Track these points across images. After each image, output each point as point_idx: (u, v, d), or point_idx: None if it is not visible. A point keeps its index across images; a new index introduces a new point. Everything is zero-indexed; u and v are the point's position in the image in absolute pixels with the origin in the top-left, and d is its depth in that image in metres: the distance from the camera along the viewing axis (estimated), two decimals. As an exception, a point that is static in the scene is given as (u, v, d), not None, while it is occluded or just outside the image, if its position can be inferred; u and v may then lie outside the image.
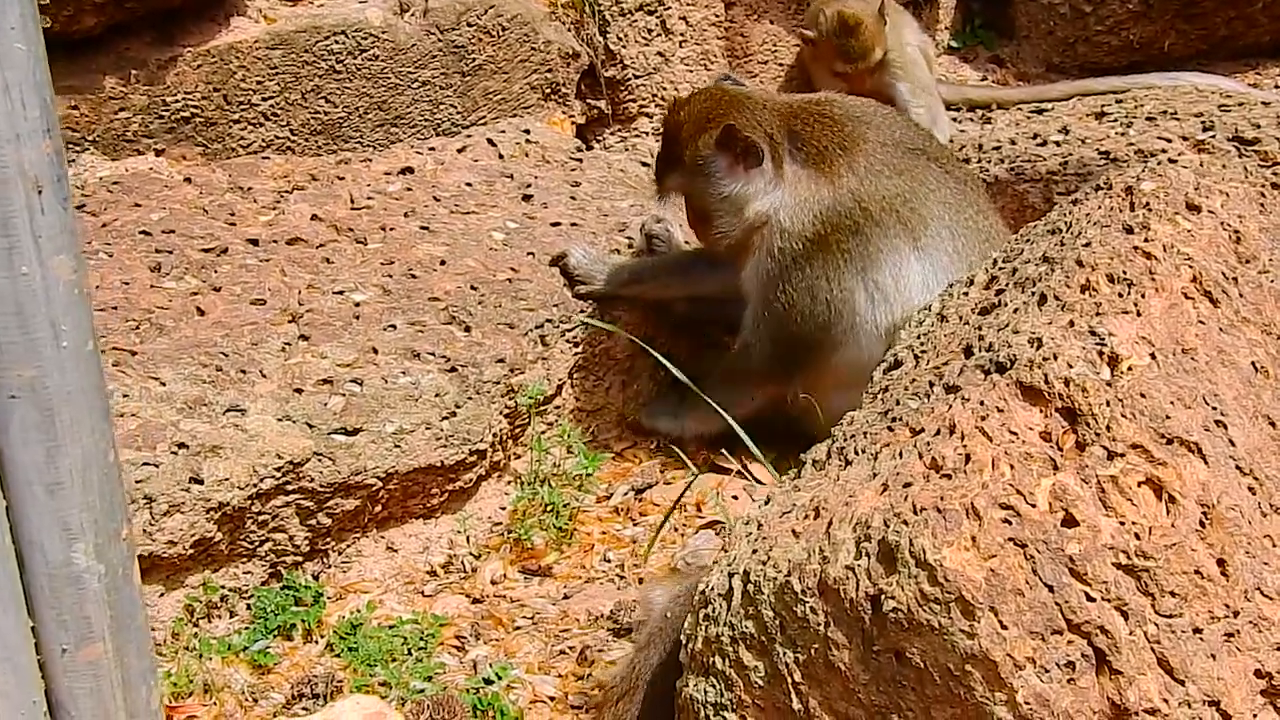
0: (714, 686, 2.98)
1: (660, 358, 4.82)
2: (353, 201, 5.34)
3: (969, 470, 2.85)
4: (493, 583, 4.45)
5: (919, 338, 3.74)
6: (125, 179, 5.28)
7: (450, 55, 6.12)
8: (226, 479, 4.14)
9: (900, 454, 3.05)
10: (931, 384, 3.30)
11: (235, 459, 4.18)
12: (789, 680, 2.84)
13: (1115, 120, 6.63)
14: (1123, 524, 2.82)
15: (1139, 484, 2.90)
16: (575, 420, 5.03)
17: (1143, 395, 3.02)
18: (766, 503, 3.31)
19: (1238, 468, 3.07)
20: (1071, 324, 3.22)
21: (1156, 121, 6.51)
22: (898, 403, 3.32)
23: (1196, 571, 2.85)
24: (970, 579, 2.65)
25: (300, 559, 4.36)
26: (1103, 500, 2.84)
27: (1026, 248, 3.86)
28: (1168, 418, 3.01)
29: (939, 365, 3.41)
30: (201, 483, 4.12)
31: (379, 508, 4.45)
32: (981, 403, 3.04)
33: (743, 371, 5.00)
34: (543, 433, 4.91)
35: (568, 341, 4.99)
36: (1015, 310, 3.45)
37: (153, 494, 4.05)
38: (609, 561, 4.53)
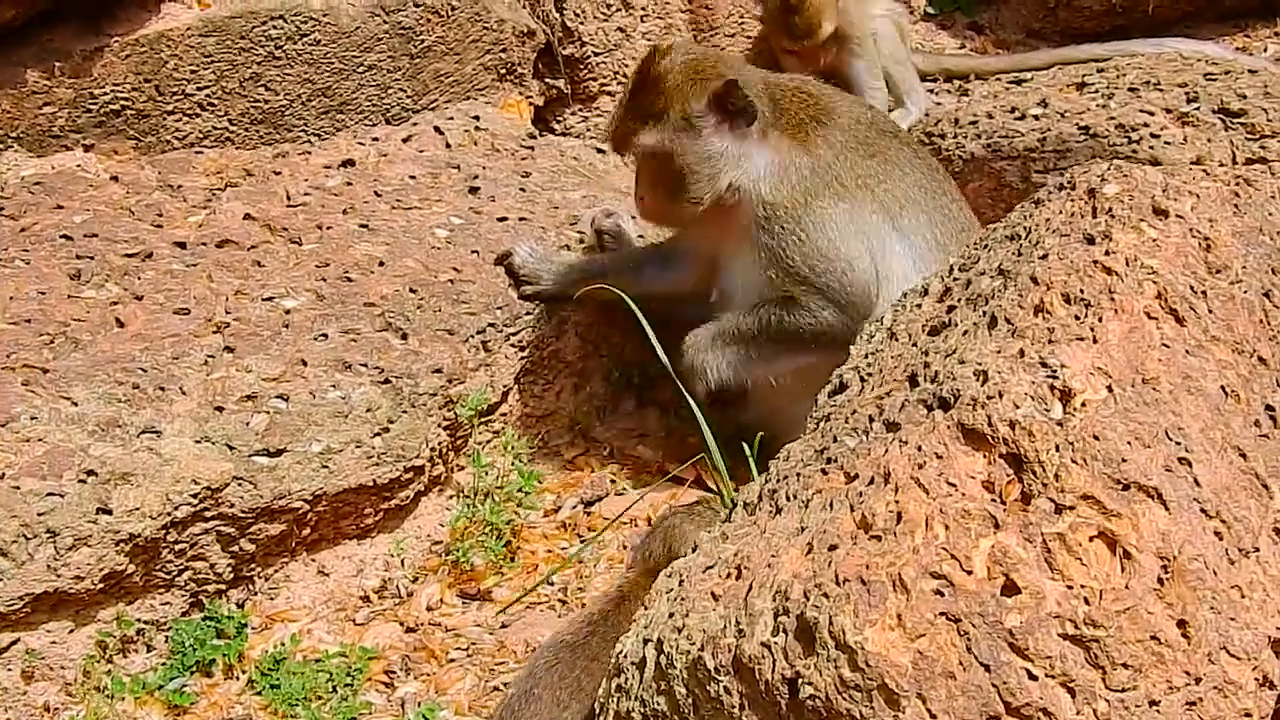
0: (625, 767, 2.69)
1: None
2: (289, 198, 5.03)
3: (900, 531, 2.55)
4: (429, 609, 4.17)
5: (866, 357, 3.42)
6: (49, 178, 4.96)
7: (397, 37, 5.78)
8: (137, 509, 3.86)
9: (831, 504, 2.74)
10: (872, 418, 2.99)
11: (148, 486, 3.89)
12: (701, 765, 2.56)
13: (1096, 91, 6.26)
14: (1070, 588, 2.53)
15: (1090, 539, 2.60)
16: (524, 427, 4.73)
17: (1096, 437, 2.71)
18: (694, 551, 3.01)
19: (1203, 510, 2.76)
20: (1021, 353, 2.90)
21: (1139, 92, 6.14)
22: (835, 439, 3.01)
23: (1153, 637, 2.55)
24: (894, 664, 2.36)
25: (223, 587, 4.08)
26: (1048, 561, 2.54)
27: (984, 255, 3.54)
28: (1124, 460, 2.70)
29: (882, 395, 3.10)
30: (110, 513, 3.83)
31: (307, 531, 4.16)
32: (919, 447, 2.73)
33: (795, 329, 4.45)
34: (488, 441, 4.62)
35: (513, 345, 4.68)
36: (965, 333, 3.13)
37: (57, 527, 3.77)
38: (552, 584, 4.24)
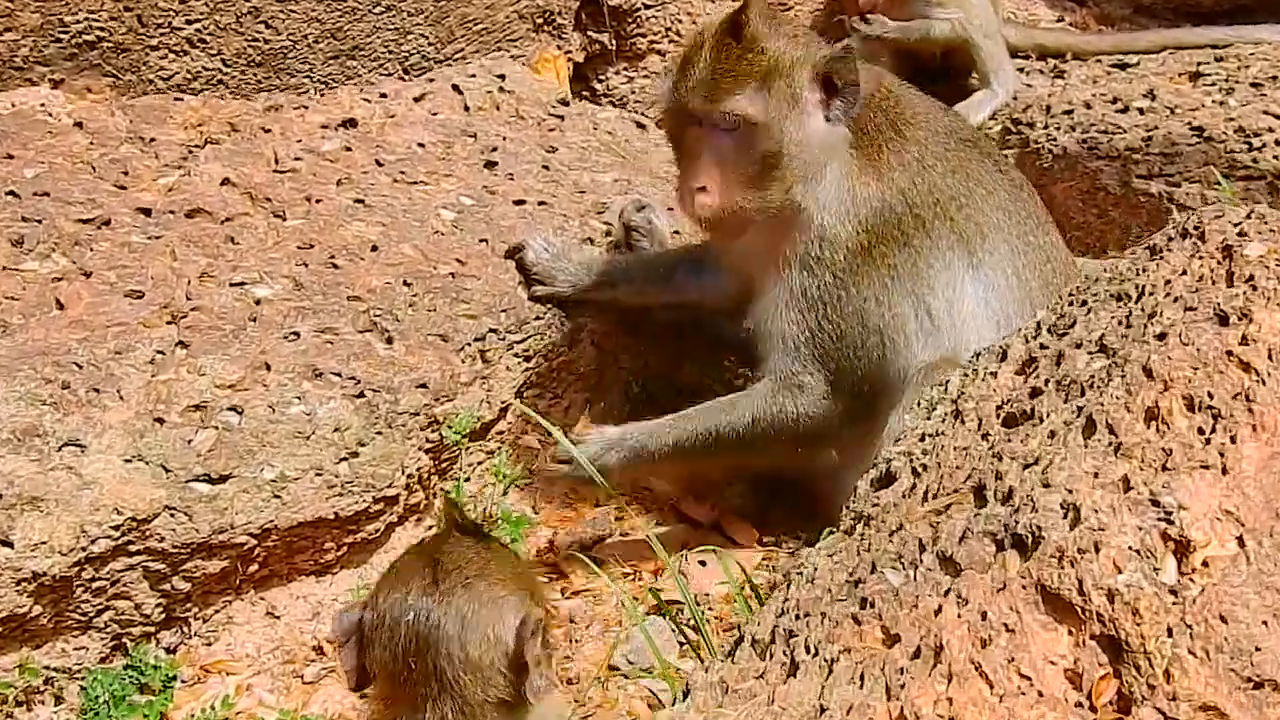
0: None
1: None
2: (276, 162, 4.38)
3: (952, 751, 1.89)
4: (390, 668, 3.56)
5: (923, 440, 2.75)
6: (2, 119, 4.33)
7: (421, -26, 5.10)
8: (44, 542, 3.26)
9: (862, 679, 2.09)
10: (924, 545, 2.33)
11: (59, 515, 3.29)
12: None
13: (1214, 84, 5.52)
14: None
15: (1210, 766, 1.94)
16: (524, 449, 4.08)
17: (1223, 618, 2.04)
18: (685, 698, 2.36)
19: (1355, 711, 2.09)
20: (1127, 483, 2.23)
21: (1263, 89, 5.40)
22: (874, 567, 2.35)
23: None
24: None
25: (151, 629, 3.49)
26: (1153, 805, 1.88)
27: (1081, 318, 2.85)
28: (1258, 649, 2.03)
29: (940, 508, 2.43)
30: (11, 546, 3.23)
31: (255, 567, 3.56)
32: (984, 614, 2.07)
33: (790, 415, 3.81)
34: (480, 463, 3.99)
35: (516, 355, 4.03)
36: (1052, 433, 2.46)
37: (-55, 561, 3.18)
38: (535, 645, 3.61)
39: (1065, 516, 2.19)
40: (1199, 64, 5.67)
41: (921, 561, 2.29)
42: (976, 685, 1.96)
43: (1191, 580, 2.08)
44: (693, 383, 4.43)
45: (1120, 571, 2.06)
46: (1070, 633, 2.04)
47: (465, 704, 2.29)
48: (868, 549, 2.45)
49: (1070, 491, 2.23)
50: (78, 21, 4.63)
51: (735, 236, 3.79)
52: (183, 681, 3.46)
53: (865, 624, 2.21)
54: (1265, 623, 2.06)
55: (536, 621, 2.32)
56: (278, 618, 3.62)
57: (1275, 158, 5.00)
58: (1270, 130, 5.10)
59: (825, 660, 2.19)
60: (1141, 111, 5.40)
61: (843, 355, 3.74)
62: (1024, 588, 2.09)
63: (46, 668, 3.35)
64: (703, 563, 3.87)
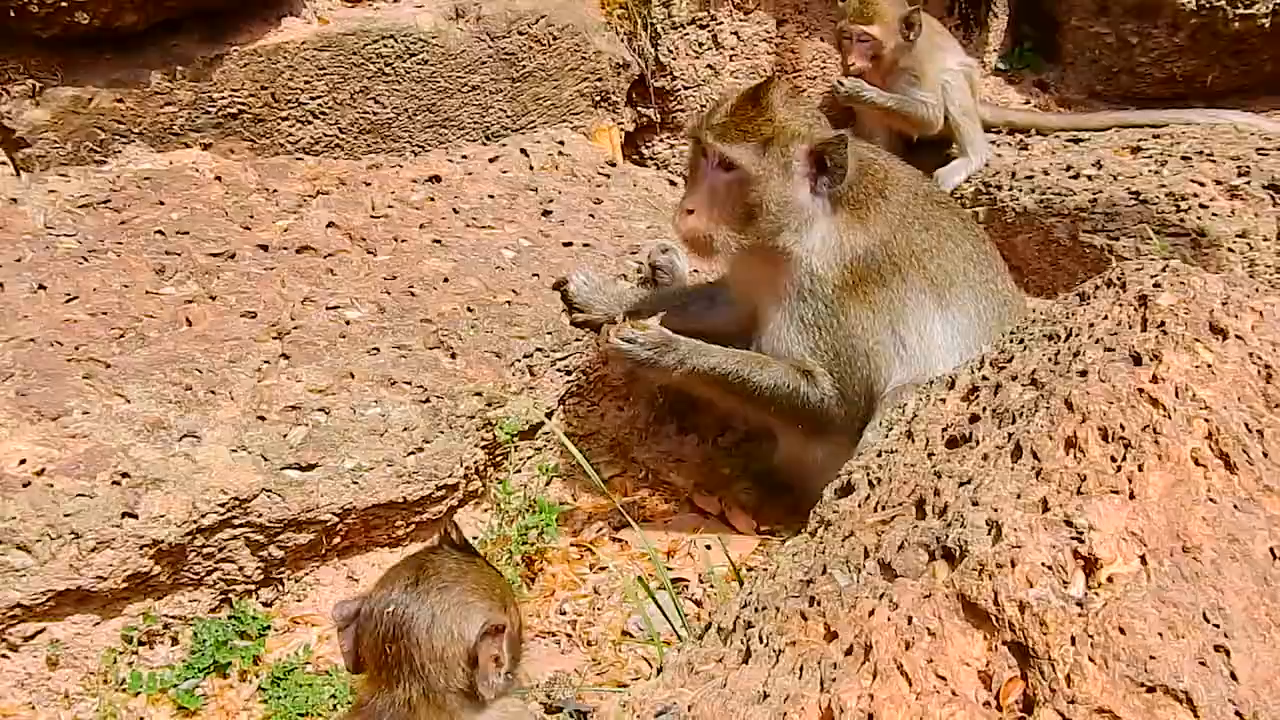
0: None
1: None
2: (374, 209, 4.22)
3: (869, 742, 1.67)
4: (444, 626, 3.37)
5: (879, 455, 2.52)
6: (159, 174, 4.21)
7: (500, 61, 4.92)
8: (163, 515, 3.11)
9: (801, 670, 1.87)
10: (868, 552, 2.10)
11: (176, 494, 3.14)
12: None
13: (1150, 157, 5.19)
14: (1072, 828, 1.63)
15: (1102, 759, 1.70)
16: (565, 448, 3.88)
17: (1121, 629, 1.80)
18: (659, 674, 2.16)
19: (1237, 713, 1.83)
20: (1045, 505, 1.99)
21: (1192, 162, 5.06)
22: (825, 569, 2.13)
23: None
24: None
25: (253, 588, 3.33)
26: (1048, 794, 1.65)
27: (1019, 354, 2.60)
28: (1152, 658, 1.79)
29: (885, 519, 2.20)
30: (136, 518, 3.09)
31: (338, 539, 3.39)
32: (910, 618, 1.85)
33: (800, 397, 3.52)
34: (529, 458, 3.79)
35: (559, 370, 3.84)
36: (985, 456, 2.22)
37: (81, 529, 3.03)
38: (564, 614, 3.42)
39: (989, 533, 1.96)
40: (1139, 140, 5.35)
41: (865, 566, 2.07)
42: (897, 683, 1.73)
43: (1096, 594, 1.85)
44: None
45: (1031, 586, 1.83)
46: (985, 638, 1.81)
47: (430, 689, 2.17)
48: (823, 551, 2.23)
49: (995, 510, 2.00)
50: (224, 98, 4.50)
51: (707, 258, 3.56)
52: (275, 630, 3.31)
53: (811, 620, 1.99)
54: (1161, 634, 1.82)
55: (496, 628, 2.19)
56: (356, 581, 3.44)
57: (1198, 218, 4.70)
58: (1195, 195, 4.78)
59: (774, 651, 1.97)
60: (1090, 178, 5.09)
61: (840, 368, 3.50)
62: (947, 596, 1.86)
63: (166, 615, 3.20)
64: (708, 547, 3.66)
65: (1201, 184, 4.85)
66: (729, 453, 4.08)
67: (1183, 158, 5.09)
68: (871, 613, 1.88)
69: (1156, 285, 2.53)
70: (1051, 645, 1.74)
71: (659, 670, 2.16)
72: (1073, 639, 1.76)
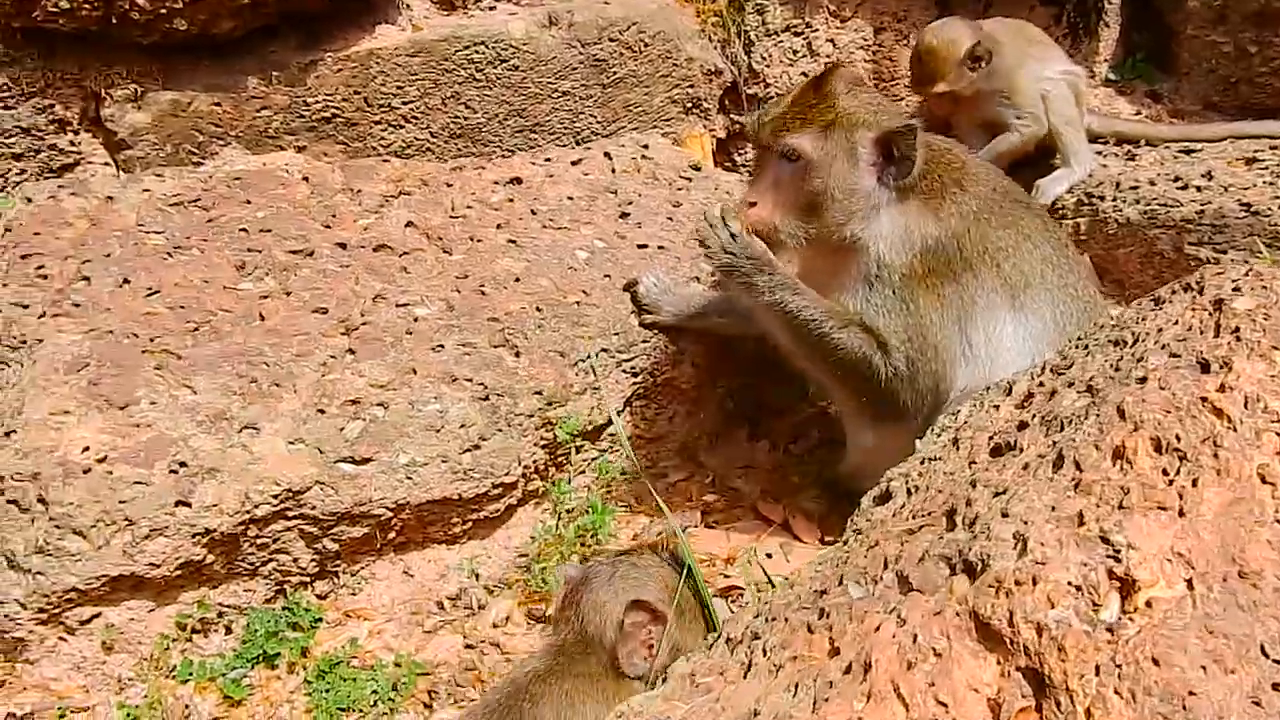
0: None
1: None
2: (452, 209, 4.10)
3: (852, 773, 1.43)
4: (494, 625, 3.22)
5: (922, 463, 2.26)
6: (249, 175, 4.16)
7: (591, 68, 4.77)
8: (216, 505, 3.02)
9: (795, 689, 1.64)
10: (887, 563, 1.86)
11: (230, 484, 3.06)
12: None
13: (1266, 168, 4.75)
14: None
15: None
16: (634, 448, 3.70)
17: (1155, 660, 1.52)
18: (663, 683, 1.94)
19: (1301, 761, 1.54)
20: (1080, 519, 1.72)
21: (1310, 173, 4.62)
22: (841, 580, 1.89)
23: None
24: None
25: (308, 579, 3.23)
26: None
27: (1080, 359, 2.32)
28: (1190, 694, 1.51)
29: (913, 529, 1.95)
30: (189, 506, 3.01)
31: (393, 534, 3.26)
32: (915, 636, 1.60)
33: (870, 363, 3.22)
34: (592, 459, 3.62)
35: (624, 371, 3.65)
36: (1025, 465, 1.95)
37: (135, 516, 2.97)
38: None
39: (1014, 547, 1.70)
40: (1255, 151, 4.91)
41: (882, 578, 1.83)
42: (892, 707, 1.49)
43: (1131, 620, 1.57)
44: (779, 404, 3.98)
45: (1053, 606, 1.56)
46: (998, 663, 1.55)
47: (584, 637, 2.53)
48: (844, 561, 1.99)
49: (1024, 523, 1.74)
50: (318, 102, 4.46)
51: (774, 251, 3.26)
52: (327, 623, 3.19)
53: (817, 634, 1.76)
54: (1204, 668, 1.53)
55: (651, 610, 2.51)
56: (412, 576, 3.32)
57: (1314, 232, 4.26)
58: (1312, 207, 4.35)
59: (775, 665, 1.75)
60: (1199, 189, 4.68)
61: (913, 351, 3.20)
62: (959, 614, 1.61)
63: (220, 604, 3.12)
64: (769, 555, 3.42)
65: (1320, 196, 4.42)
66: (800, 460, 3.84)
67: (1302, 168, 4.66)
68: (877, 628, 1.64)
69: (1236, 289, 2.22)
70: (1070, 674, 1.48)
71: (663, 680, 1.95)
72: (1097, 668, 1.49)
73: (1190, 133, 5.29)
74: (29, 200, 3.89)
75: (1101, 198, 4.90)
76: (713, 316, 3.70)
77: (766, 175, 3.27)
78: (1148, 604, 1.58)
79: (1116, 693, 1.46)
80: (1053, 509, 1.75)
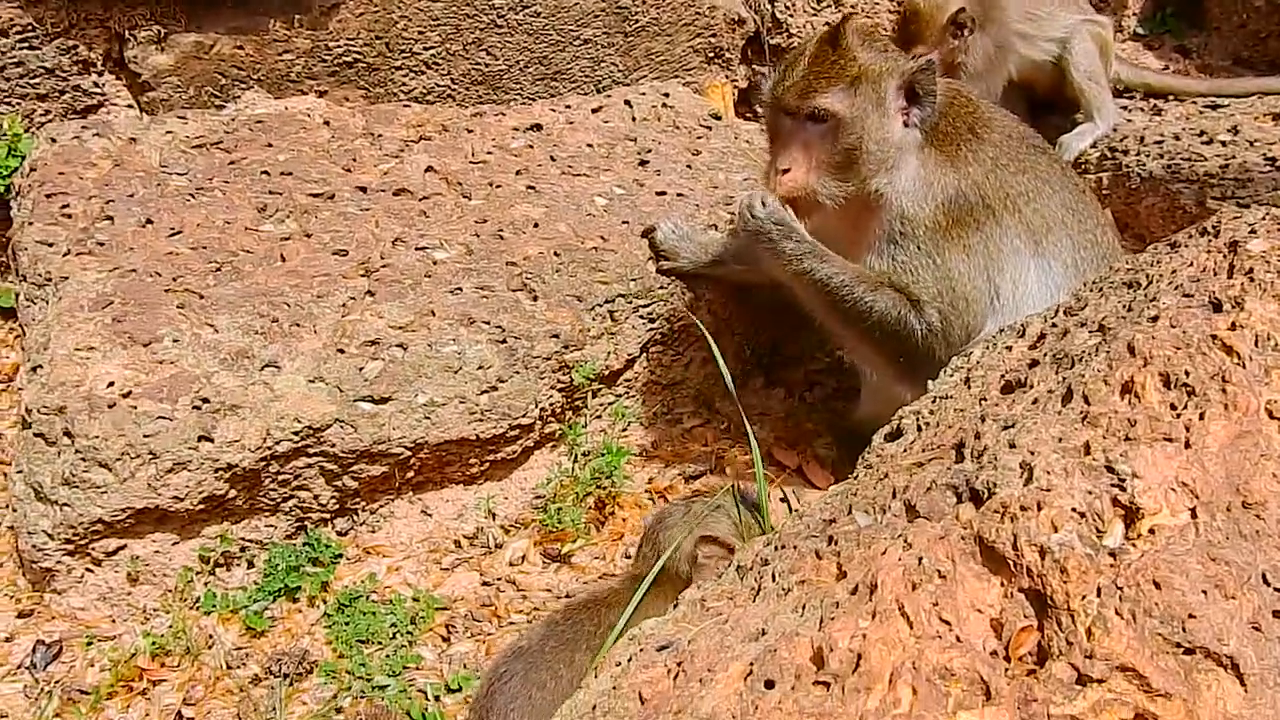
0: None
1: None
2: (472, 155, 4.13)
3: (852, 684, 1.48)
4: (511, 563, 3.29)
5: (933, 401, 2.30)
6: (271, 118, 4.20)
7: (613, 15, 4.78)
8: (238, 440, 3.09)
9: (803, 609, 1.69)
10: (895, 493, 1.90)
11: (252, 420, 3.12)
12: None
13: (1293, 122, 4.73)
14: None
15: (1121, 727, 1.48)
16: (649, 393, 3.75)
17: (1157, 583, 1.57)
18: (674, 609, 2.00)
19: (1295, 687, 1.58)
20: (1087, 448, 1.76)
21: (1338, 127, 4.60)
22: (850, 510, 1.93)
23: None
24: None
25: (328, 516, 3.30)
26: (1051, 758, 1.44)
27: (1094, 301, 2.35)
28: (1191, 616, 1.55)
29: (922, 461, 1.99)
30: (211, 441, 3.08)
31: (411, 473, 3.32)
32: (920, 558, 1.64)
33: (901, 324, 3.23)
34: (609, 404, 3.66)
35: (641, 317, 3.69)
36: (1035, 401, 1.99)
37: (158, 450, 3.04)
38: (629, 558, 3.28)
39: (1020, 476, 1.74)
40: (1284, 106, 4.88)
41: (889, 508, 1.87)
42: (896, 625, 1.54)
43: (1134, 545, 1.61)
44: (795, 352, 4.02)
45: (1056, 530, 1.61)
46: (1001, 585, 1.60)
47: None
48: (854, 493, 2.04)
49: (1031, 453, 1.78)
50: (339, 46, 4.48)
51: (810, 214, 3.26)
52: (346, 559, 3.26)
53: (824, 559, 1.80)
54: (1205, 592, 1.58)
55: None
56: (430, 515, 3.38)
57: (1339, 185, 4.25)
58: (1338, 161, 4.33)
59: (783, 589, 1.79)
60: (1224, 144, 4.66)
61: (944, 306, 3.21)
62: (964, 539, 1.66)
63: (243, 539, 3.19)
64: (783, 499, 3.47)
65: (1347, 149, 4.40)
66: (814, 408, 3.88)
67: (1329, 122, 4.64)
68: (884, 552, 1.69)
69: (1252, 231, 2.24)
70: (1072, 595, 1.52)
71: (674, 606, 2.00)
72: (1099, 590, 1.53)
73: (1219, 87, 5.26)
74: (53, 140, 3.95)
75: (1125, 152, 4.89)
76: (731, 264, 3.72)
77: (794, 139, 3.25)
78: (1151, 531, 1.62)
79: (1117, 613, 1.51)
80: (1059, 440, 1.78)
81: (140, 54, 4.22)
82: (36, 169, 3.84)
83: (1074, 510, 1.63)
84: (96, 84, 4.22)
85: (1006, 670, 1.48)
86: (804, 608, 1.68)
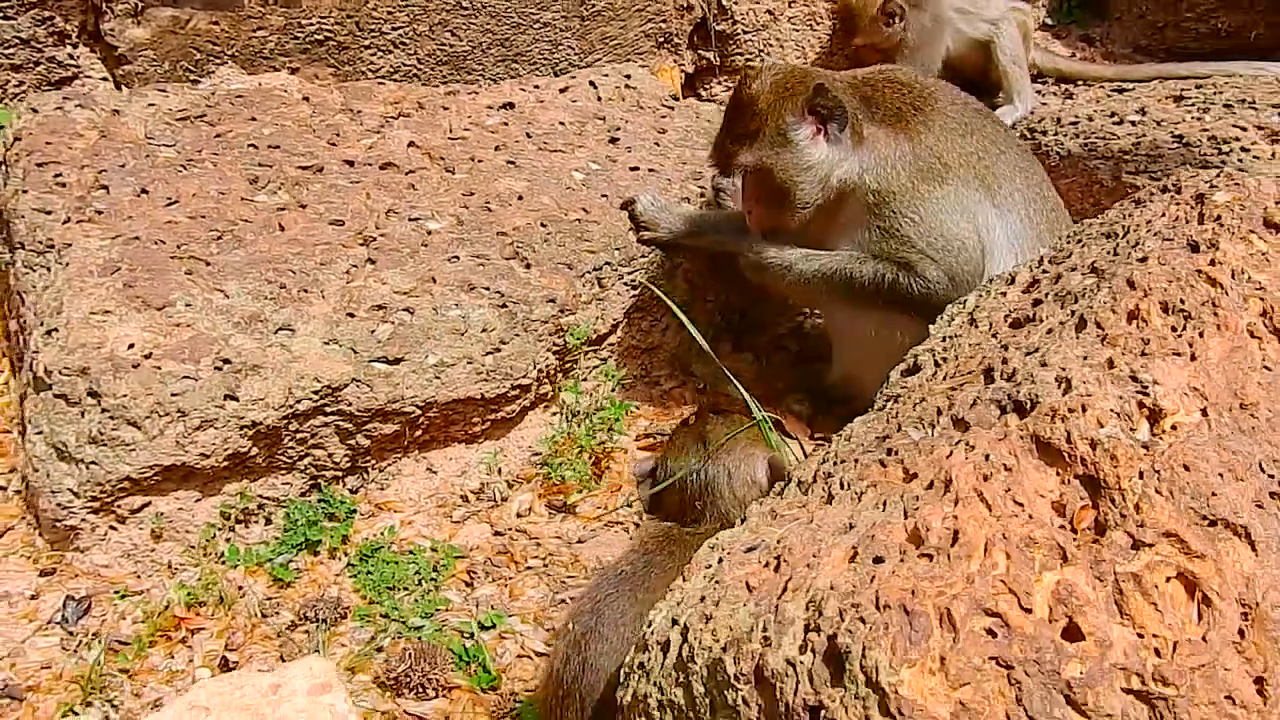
0: (637, 750, 1.97)
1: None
2: (451, 131, 4.31)
3: (954, 554, 1.76)
4: (518, 515, 3.49)
5: (944, 340, 2.60)
6: (250, 93, 4.31)
7: (571, 0, 4.99)
8: (262, 399, 3.23)
9: (884, 504, 1.96)
10: (940, 411, 2.19)
11: (273, 379, 3.26)
12: (711, 772, 1.82)
13: (1193, 105, 5.20)
14: (1141, 636, 1.72)
15: (1166, 580, 1.78)
16: (629, 357, 3.99)
17: (1185, 466, 1.88)
18: (741, 523, 2.25)
19: (1291, 554, 1.92)
20: (1111, 363, 2.07)
21: (1234, 109, 5.07)
22: (899, 427, 2.22)
23: (1228, 697, 1.74)
24: (931, 715, 1.58)
25: (340, 474, 3.45)
26: (1119, 605, 1.74)
27: (1076, 250, 2.67)
28: (1214, 494, 1.87)
29: (955, 385, 2.28)
30: (237, 400, 3.21)
31: (419, 432, 3.50)
32: (987, 455, 1.93)
33: (900, 288, 3.51)
34: (595, 367, 3.89)
35: (625, 284, 3.93)
36: (1049, 331, 2.30)
37: (186, 408, 3.16)
38: (630, 507, 3.52)
39: (1059, 386, 2.04)
40: (1183, 90, 5.35)
41: (938, 422, 2.15)
42: (978, 507, 1.82)
43: (1161, 438, 1.93)
44: (761, 318, 4.30)
45: (1102, 426, 1.91)
46: (1058, 474, 1.89)
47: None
48: (895, 415, 2.32)
49: (1063, 369, 2.08)
50: (311, 24, 4.60)
51: (788, 230, 3.65)
52: (360, 515, 3.42)
53: (889, 466, 2.07)
54: (1220, 475, 1.90)
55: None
56: (435, 473, 3.56)
57: (1239, 160, 4.71)
58: (1237, 140, 4.79)
59: (855, 493, 2.06)
60: (1134, 123, 5.11)
61: (938, 254, 3.49)
62: (1021, 438, 1.95)
63: (260, 496, 3.33)
64: (794, 437, 3.74)
65: (1243, 129, 4.87)
66: (779, 370, 4.17)
67: (1225, 105, 5.10)
68: (949, 454, 1.97)
69: (1212, 186, 2.59)
70: (1122, 477, 1.82)
71: (742, 520, 2.25)
72: (1140, 473, 1.84)
73: (1125, 73, 5.75)
74: (35, 111, 3.99)
75: (1044, 132, 5.30)
76: (707, 234, 3.98)
77: (745, 188, 3.66)
78: (1173, 427, 1.93)
79: (1158, 491, 1.81)
80: (1085, 358, 2.09)
81: (117, 27, 4.27)
82: (21, 139, 3.88)
83: (1112, 410, 1.94)
84: (71, 56, 4.27)
85: (1074, 539, 1.78)
86: (884, 504, 1.95)
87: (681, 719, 1.86)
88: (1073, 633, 1.68)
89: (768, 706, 1.72)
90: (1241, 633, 1.78)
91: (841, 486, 2.11)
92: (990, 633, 1.64)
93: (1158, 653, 1.71)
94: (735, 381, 3.38)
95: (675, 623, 1.95)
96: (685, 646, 1.88)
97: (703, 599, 1.95)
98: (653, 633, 2.00)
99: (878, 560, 1.78)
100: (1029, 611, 1.68)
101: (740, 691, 1.74)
